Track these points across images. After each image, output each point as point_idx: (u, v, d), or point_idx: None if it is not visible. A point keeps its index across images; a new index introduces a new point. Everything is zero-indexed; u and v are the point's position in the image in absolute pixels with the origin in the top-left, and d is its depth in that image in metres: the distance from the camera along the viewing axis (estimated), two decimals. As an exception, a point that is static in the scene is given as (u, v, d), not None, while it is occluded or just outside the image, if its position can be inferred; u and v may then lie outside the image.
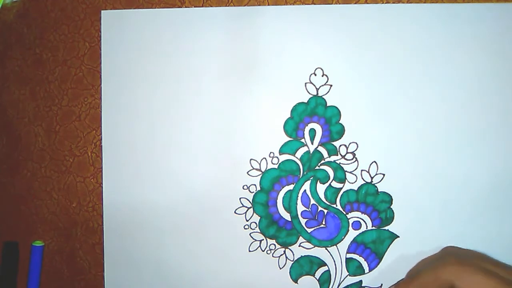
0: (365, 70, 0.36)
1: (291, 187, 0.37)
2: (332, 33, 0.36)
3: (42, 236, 0.41)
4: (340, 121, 0.36)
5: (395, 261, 0.36)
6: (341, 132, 0.36)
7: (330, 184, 0.37)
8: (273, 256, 0.37)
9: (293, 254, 0.37)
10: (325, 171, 0.36)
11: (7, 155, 0.41)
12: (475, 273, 0.29)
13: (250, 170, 0.37)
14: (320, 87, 0.36)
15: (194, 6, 0.37)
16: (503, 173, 0.35)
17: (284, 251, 0.37)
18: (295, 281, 0.37)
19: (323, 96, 0.36)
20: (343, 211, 0.37)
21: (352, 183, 0.36)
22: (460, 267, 0.30)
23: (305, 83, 0.36)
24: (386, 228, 0.36)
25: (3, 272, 0.39)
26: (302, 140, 0.37)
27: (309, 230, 0.37)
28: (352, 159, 0.36)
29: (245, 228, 0.38)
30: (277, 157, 0.37)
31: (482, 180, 0.35)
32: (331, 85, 0.36)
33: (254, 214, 0.37)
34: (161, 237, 0.39)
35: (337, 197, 0.37)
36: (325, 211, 0.37)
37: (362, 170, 0.36)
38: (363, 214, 0.36)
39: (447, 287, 0.30)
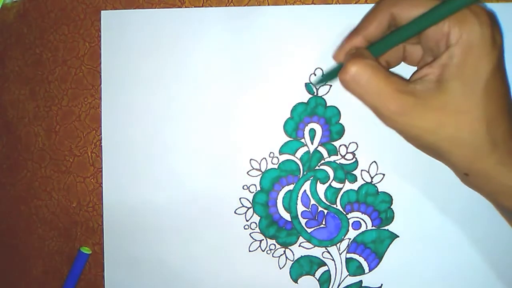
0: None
1: (291, 187, 0.37)
2: (332, 33, 0.36)
3: (42, 236, 0.41)
4: (340, 121, 0.36)
5: (395, 261, 0.36)
6: (341, 132, 0.36)
7: (330, 184, 0.37)
8: (273, 256, 0.37)
9: (293, 254, 0.37)
10: (325, 171, 0.36)
11: (7, 155, 0.41)
12: None
13: (250, 170, 0.37)
14: (320, 87, 0.36)
15: (194, 6, 0.37)
16: (503, 173, 0.35)
17: (284, 251, 0.37)
18: (295, 281, 0.37)
19: (323, 96, 0.36)
20: (343, 211, 0.37)
21: (352, 183, 0.36)
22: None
23: (305, 83, 0.36)
24: (386, 228, 0.36)
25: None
26: (302, 140, 0.37)
27: (309, 230, 0.37)
28: (352, 159, 0.36)
29: (245, 228, 0.38)
30: (277, 157, 0.37)
31: (482, 180, 0.35)
32: (331, 85, 0.36)
33: (254, 214, 0.37)
34: (161, 237, 0.39)
35: (337, 197, 0.37)
36: (325, 211, 0.37)
37: (362, 170, 0.36)
38: (363, 215, 0.36)
39: (386, 20, 0.28)
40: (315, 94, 0.36)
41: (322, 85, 0.36)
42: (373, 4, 0.35)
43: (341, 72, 0.27)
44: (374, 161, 0.36)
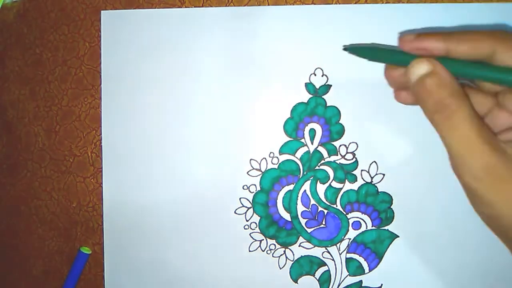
0: (365, 70, 0.36)
1: (291, 187, 0.37)
2: (332, 33, 0.36)
3: (42, 236, 0.41)
4: (340, 121, 0.36)
5: (395, 261, 0.36)
6: (341, 132, 0.36)
7: (330, 184, 0.37)
8: (273, 256, 0.37)
9: (293, 254, 0.37)
10: (325, 171, 0.36)
11: (7, 155, 0.41)
12: None
13: (250, 170, 0.37)
14: (320, 87, 0.36)
15: (194, 6, 0.37)
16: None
17: (284, 251, 0.37)
18: (295, 281, 0.37)
19: (323, 96, 0.36)
20: (343, 211, 0.37)
21: (352, 183, 0.36)
22: (506, 35, 0.23)
23: (305, 83, 0.36)
24: (386, 228, 0.36)
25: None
26: (302, 140, 0.37)
27: (309, 230, 0.37)
28: (352, 159, 0.36)
29: (245, 228, 0.38)
30: (277, 157, 0.37)
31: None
32: (331, 85, 0.36)
33: (254, 214, 0.37)
34: (161, 237, 0.39)
35: (337, 197, 0.37)
36: (325, 211, 0.37)
37: (362, 170, 0.36)
38: (363, 215, 0.36)
39: (486, 51, 0.24)
40: (316, 94, 0.36)
41: (353, 53, 0.31)
42: (372, 4, 0.35)
43: (427, 76, 0.24)
44: (374, 161, 0.36)
